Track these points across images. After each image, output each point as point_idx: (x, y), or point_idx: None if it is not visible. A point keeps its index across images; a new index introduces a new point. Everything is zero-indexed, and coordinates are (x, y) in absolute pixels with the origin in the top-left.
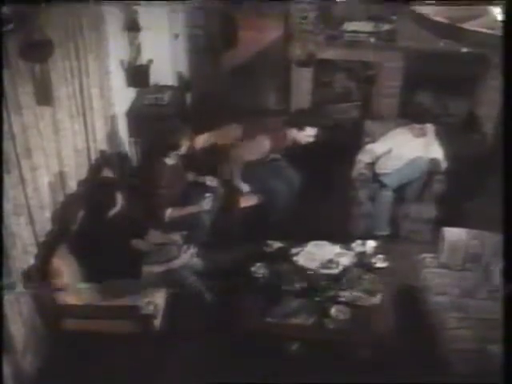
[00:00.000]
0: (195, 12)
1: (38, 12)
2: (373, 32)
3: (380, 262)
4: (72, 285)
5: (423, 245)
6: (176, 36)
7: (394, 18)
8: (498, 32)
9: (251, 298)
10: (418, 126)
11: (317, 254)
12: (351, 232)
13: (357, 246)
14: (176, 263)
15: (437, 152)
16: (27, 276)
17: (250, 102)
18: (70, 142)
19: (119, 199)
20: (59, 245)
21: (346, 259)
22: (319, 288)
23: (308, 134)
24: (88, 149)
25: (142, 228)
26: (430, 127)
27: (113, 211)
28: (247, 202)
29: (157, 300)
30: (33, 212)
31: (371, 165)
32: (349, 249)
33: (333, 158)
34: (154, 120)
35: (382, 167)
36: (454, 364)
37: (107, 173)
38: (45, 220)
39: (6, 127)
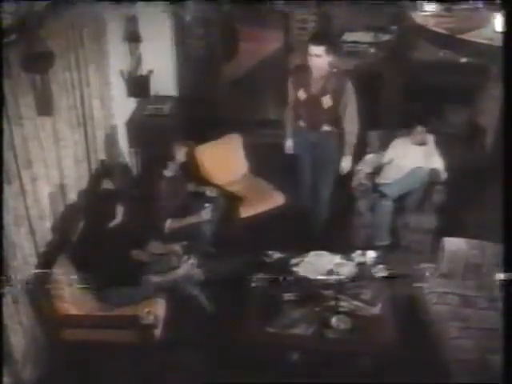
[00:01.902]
0: (195, 23)
1: (40, 23)
2: (373, 42)
3: (380, 272)
4: (72, 295)
5: (423, 255)
6: (176, 47)
7: (394, 28)
8: (498, 42)
9: (251, 308)
10: (419, 129)
11: (317, 265)
12: (351, 242)
13: (357, 256)
14: (176, 273)
15: (437, 162)
16: (27, 286)
17: (250, 112)
18: (71, 153)
19: (119, 211)
20: (59, 255)
21: (346, 269)
22: (319, 298)
23: (315, 54)
24: (88, 159)
25: (142, 238)
26: (430, 137)
27: (112, 223)
28: (248, 211)
29: (157, 310)
30: (33, 222)
31: (371, 175)
32: (349, 259)
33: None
34: (154, 130)
35: (382, 177)
36: (454, 374)
37: (107, 183)
38: (45, 230)
39: (6, 138)
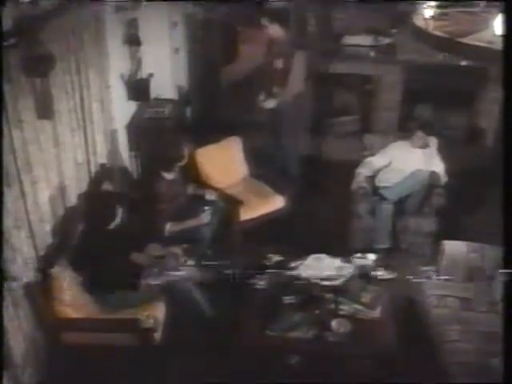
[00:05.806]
0: (195, 26)
1: (40, 26)
2: (372, 46)
3: (380, 275)
4: (72, 298)
5: (423, 258)
6: (176, 50)
7: (394, 31)
8: (497, 46)
9: (251, 311)
10: (419, 135)
11: (317, 268)
12: (351, 245)
13: (357, 259)
14: (176, 276)
15: (437, 165)
16: (27, 289)
17: (250, 115)
18: (71, 156)
19: (119, 214)
20: (59, 258)
21: (346, 272)
22: (319, 301)
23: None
24: (88, 162)
25: (141, 241)
26: (431, 140)
27: (112, 225)
28: (247, 214)
29: (157, 313)
30: (33, 225)
31: (371, 178)
32: (349, 262)
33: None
34: (155, 133)
35: (382, 180)
36: (454, 377)
37: (107, 186)
38: (45, 233)
39: (6, 141)
